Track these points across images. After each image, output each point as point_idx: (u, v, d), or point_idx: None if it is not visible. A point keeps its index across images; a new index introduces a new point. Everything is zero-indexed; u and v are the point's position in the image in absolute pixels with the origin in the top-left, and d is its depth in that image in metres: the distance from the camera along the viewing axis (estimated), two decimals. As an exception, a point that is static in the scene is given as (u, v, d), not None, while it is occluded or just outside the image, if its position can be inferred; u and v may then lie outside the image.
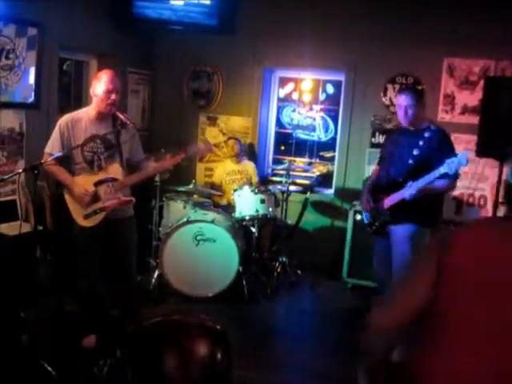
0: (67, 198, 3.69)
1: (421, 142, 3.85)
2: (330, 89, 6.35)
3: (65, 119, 3.68)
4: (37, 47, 4.69)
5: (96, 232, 3.66)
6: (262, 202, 5.08)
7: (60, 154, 3.57)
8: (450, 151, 3.80)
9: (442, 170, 3.62)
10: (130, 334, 1.96)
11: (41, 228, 4.33)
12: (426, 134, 3.87)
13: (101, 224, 3.64)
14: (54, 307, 4.04)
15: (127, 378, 2.00)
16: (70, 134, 3.64)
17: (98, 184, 3.62)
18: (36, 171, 3.29)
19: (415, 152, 3.86)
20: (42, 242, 4.29)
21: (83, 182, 3.63)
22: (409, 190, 3.75)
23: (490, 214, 4.98)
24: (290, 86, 6.48)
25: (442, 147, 3.84)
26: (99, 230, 3.66)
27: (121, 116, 3.67)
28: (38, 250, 4.23)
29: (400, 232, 3.91)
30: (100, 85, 3.60)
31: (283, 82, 6.50)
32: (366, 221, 4.27)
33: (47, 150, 3.67)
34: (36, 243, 4.18)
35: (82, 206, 3.62)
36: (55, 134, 3.65)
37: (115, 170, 3.68)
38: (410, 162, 3.87)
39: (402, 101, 3.88)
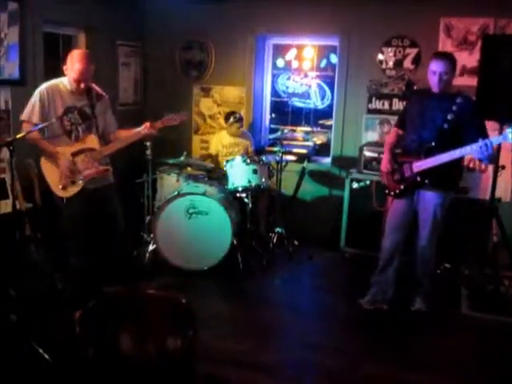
0: (45, 168, 3.75)
1: (454, 107, 3.83)
2: (334, 58, 6.08)
3: (45, 88, 3.73)
4: (19, 22, 4.58)
5: (78, 202, 3.74)
6: (255, 172, 4.98)
7: (45, 124, 3.62)
8: (481, 120, 3.86)
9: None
10: (87, 308, 1.88)
11: (30, 205, 4.30)
12: (458, 100, 3.84)
13: (80, 194, 3.72)
14: (46, 285, 4.04)
15: (87, 353, 1.93)
16: (50, 103, 3.70)
17: (75, 154, 3.72)
18: (11, 147, 3.24)
19: (449, 117, 3.84)
20: (31, 220, 4.25)
21: (62, 152, 3.71)
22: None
23: (491, 178, 4.83)
24: (288, 55, 6.28)
25: (474, 115, 3.84)
26: (81, 200, 3.74)
27: (96, 88, 3.80)
28: (27, 227, 4.20)
29: (434, 199, 3.96)
30: (72, 64, 3.69)
31: (280, 50, 6.31)
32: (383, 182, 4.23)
33: (25, 117, 3.69)
34: (25, 221, 4.16)
35: (62, 176, 3.68)
36: (35, 102, 3.68)
37: (92, 141, 3.79)
38: (445, 126, 3.85)
39: (437, 67, 3.82)
